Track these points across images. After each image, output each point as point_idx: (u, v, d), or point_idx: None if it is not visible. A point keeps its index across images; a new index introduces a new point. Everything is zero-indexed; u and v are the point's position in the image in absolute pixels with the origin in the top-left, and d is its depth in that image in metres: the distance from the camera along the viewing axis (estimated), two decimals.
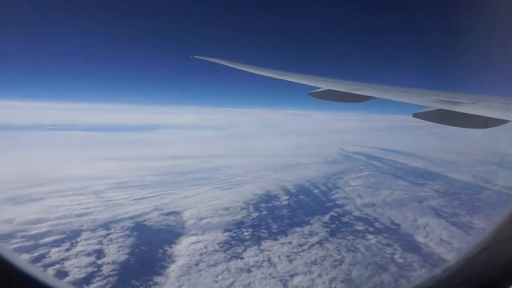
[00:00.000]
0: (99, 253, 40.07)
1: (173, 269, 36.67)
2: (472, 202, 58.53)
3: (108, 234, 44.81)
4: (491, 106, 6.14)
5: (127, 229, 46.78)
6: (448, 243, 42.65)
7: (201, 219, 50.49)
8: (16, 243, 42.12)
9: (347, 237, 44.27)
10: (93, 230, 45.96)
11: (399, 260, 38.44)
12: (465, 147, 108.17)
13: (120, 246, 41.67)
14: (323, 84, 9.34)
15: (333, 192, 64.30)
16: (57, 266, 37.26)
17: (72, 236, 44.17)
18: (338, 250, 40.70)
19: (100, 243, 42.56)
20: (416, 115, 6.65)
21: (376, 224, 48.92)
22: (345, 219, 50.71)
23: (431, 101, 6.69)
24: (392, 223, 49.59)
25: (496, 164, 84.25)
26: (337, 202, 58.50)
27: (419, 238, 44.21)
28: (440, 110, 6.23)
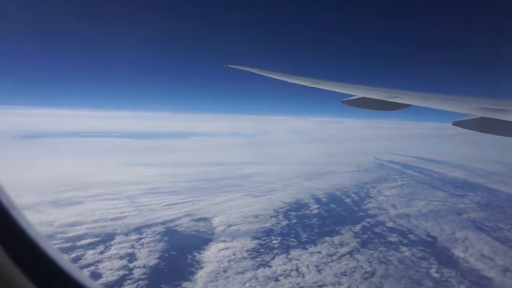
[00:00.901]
0: (131, 257, 41.18)
1: (201, 275, 36.95)
2: None
3: (140, 238, 46.03)
4: None
5: (158, 234, 47.85)
6: (490, 259, 40.02)
7: (230, 225, 50.71)
8: (56, 244, 44.17)
9: (379, 249, 42.72)
10: (126, 234, 47.40)
11: (435, 275, 36.52)
12: (510, 157, 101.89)
13: (151, 251, 42.62)
14: (357, 92, 9.18)
15: (365, 202, 62.52)
16: (92, 268, 38.67)
17: (107, 239, 45.77)
18: (370, 262, 39.32)
19: (133, 247, 43.78)
20: (456, 123, 6.46)
21: (411, 236, 46.91)
22: (377, 229, 49.05)
23: (472, 108, 6.40)
24: (428, 235, 47.35)
25: None
26: (369, 212, 56.77)
27: (458, 253, 41.85)
28: (483, 118, 5.94)
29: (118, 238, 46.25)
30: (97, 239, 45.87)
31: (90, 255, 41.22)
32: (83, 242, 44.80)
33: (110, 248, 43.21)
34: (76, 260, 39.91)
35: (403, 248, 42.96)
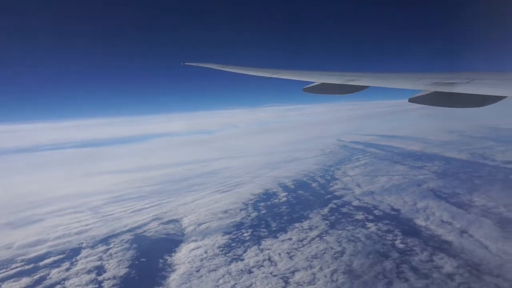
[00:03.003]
0: (100, 269, 39.82)
1: (174, 278, 36.35)
2: (471, 180, 58.21)
3: (108, 249, 44.59)
4: (486, 83, 6.07)
5: (126, 242, 46.57)
6: (449, 224, 42.26)
7: (200, 224, 50.24)
8: (16, 267, 41.93)
9: (347, 228, 43.93)
10: (92, 247, 45.76)
11: (400, 246, 38.06)
12: (462, 126, 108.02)
13: (120, 260, 41.40)
14: (317, 78, 9.15)
15: (331, 184, 64.00)
16: (58, 286, 36.98)
17: (72, 254, 43.99)
18: (339, 242, 40.36)
19: (100, 259, 42.33)
20: (412, 100, 6.56)
21: (376, 211, 48.60)
22: (344, 209, 50.40)
23: (426, 84, 6.61)
24: (392, 209, 49.25)
25: (493, 140, 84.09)
26: (336, 193, 58.19)
27: (420, 222, 43.85)
28: (436, 92, 6.19)
29: (84, 252, 44.54)
30: (62, 256, 43.95)
31: (55, 274, 39.40)
32: (47, 261, 42.77)
33: (76, 264, 41.52)
34: (39, 281, 38.06)
35: (369, 224, 44.43)
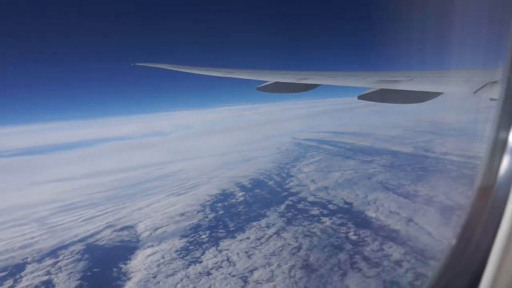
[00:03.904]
0: (47, 284, 37.52)
1: (130, 286, 35.23)
2: (415, 171, 62.13)
3: (57, 262, 42.06)
4: (425, 81, 6.52)
5: (77, 253, 44.23)
6: (396, 213, 44.85)
7: (156, 229, 48.96)
8: None
9: (303, 223, 45.07)
10: (39, 261, 42.90)
11: (353, 238, 39.78)
12: (406, 121, 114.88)
13: (71, 273, 39.26)
14: (270, 77, 9.34)
15: (287, 181, 65.22)
16: None
17: (16, 271, 40.89)
18: (295, 238, 41.30)
19: (48, 273, 39.84)
20: (361, 97, 6.90)
21: (330, 206, 50.29)
22: (300, 205, 51.61)
23: (373, 82, 6.96)
24: (345, 202, 51.23)
25: (433, 133, 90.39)
26: (291, 190, 59.39)
27: (370, 213, 46.08)
28: (382, 90, 6.54)
29: (29, 267, 41.59)
30: (4, 273, 40.68)
31: None
32: None
33: (20, 280, 38.69)
34: None
35: (324, 219, 45.91)
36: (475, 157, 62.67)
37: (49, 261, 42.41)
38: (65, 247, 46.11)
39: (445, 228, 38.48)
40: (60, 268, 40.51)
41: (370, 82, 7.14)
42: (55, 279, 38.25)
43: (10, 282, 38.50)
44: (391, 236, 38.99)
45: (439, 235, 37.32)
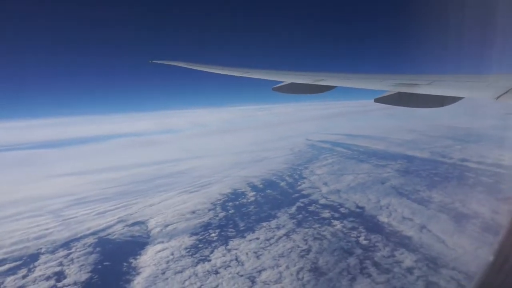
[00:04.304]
0: (60, 275, 38.20)
1: (139, 281, 35.53)
2: (430, 177, 60.83)
3: (69, 254, 42.84)
4: (445, 85, 6.35)
5: (89, 245, 44.96)
6: (410, 220, 43.98)
7: (167, 225, 49.34)
8: None
9: (314, 226, 44.66)
10: (52, 252, 43.78)
11: (364, 242, 39.19)
12: (423, 125, 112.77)
13: (82, 265, 39.89)
14: (286, 78, 9.23)
15: (299, 183, 64.81)
16: None
17: (30, 261, 41.84)
18: (305, 240, 40.96)
19: (61, 264, 40.59)
20: (377, 100, 6.77)
21: (341, 209, 49.71)
22: (311, 208, 51.19)
23: (390, 85, 6.84)
24: (357, 206, 50.57)
25: (451, 139, 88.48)
26: (303, 192, 58.98)
27: (382, 218, 45.33)
28: (400, 93, 6.43)
29: (43, 258, 42.51)
30: (18, 262, 41.70)
31: (10, 282, 37.36)
32: (1, 268, 40.43)
33: (34, 270, 39.55)
34: None
35: (335, 222, 45.41)
36: (494, 165, 61.19)
37: (62, 253, 43.22)
38: (77, 239, 46.92)
39: (459, 236, 37.53)
40: (72, 260, 41.23)
41: (388, 85, 6.95)
42: (67, 271, 38.94)
43: (24, 271, 39.40)
44: (403, 242, 38.24)
45: (453, 243, 36.41)
